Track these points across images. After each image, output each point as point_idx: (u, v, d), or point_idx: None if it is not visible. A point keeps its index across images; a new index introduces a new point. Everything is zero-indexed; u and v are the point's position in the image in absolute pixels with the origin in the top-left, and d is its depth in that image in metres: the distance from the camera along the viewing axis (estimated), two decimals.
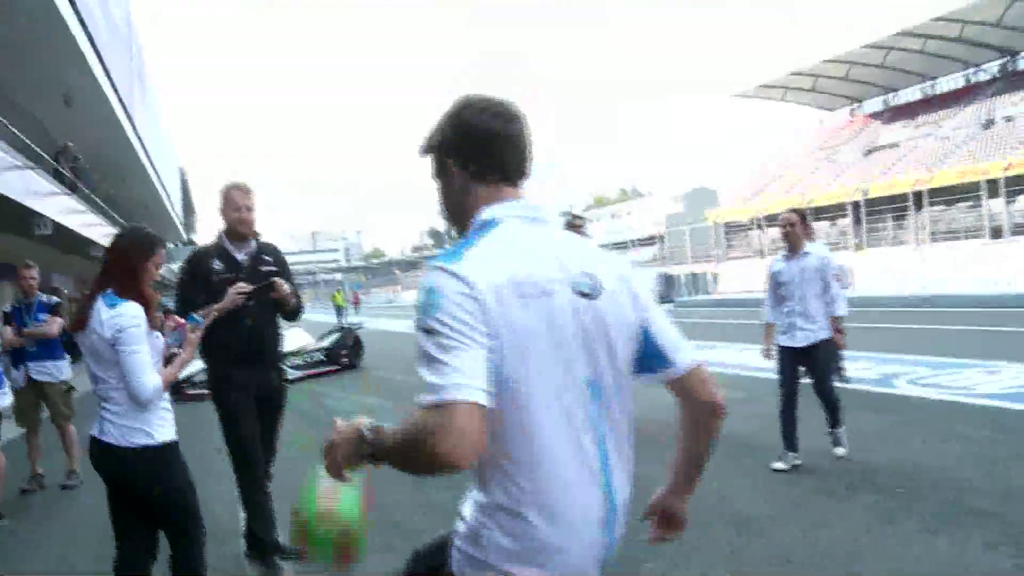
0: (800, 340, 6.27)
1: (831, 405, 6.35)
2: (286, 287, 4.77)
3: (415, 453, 1.55)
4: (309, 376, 15.45)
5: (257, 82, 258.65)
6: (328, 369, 16.27)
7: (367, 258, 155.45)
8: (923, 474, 5.78)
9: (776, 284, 6.45)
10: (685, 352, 1.88)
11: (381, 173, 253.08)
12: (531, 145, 1.86)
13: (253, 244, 4.92)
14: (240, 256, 4.86)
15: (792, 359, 6.37)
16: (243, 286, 4.64)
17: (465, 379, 1.53)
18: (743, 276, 33.62)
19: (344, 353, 16.79)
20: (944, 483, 5.51)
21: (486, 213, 1.79)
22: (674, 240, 43.53)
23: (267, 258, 4.96)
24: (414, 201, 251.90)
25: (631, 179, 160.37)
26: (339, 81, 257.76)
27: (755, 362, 12.23)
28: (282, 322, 5.08)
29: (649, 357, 1.86)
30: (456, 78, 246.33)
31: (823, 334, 6.26)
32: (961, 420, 7.40)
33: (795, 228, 6.33)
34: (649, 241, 50.32)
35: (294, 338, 16.11)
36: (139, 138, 22.62)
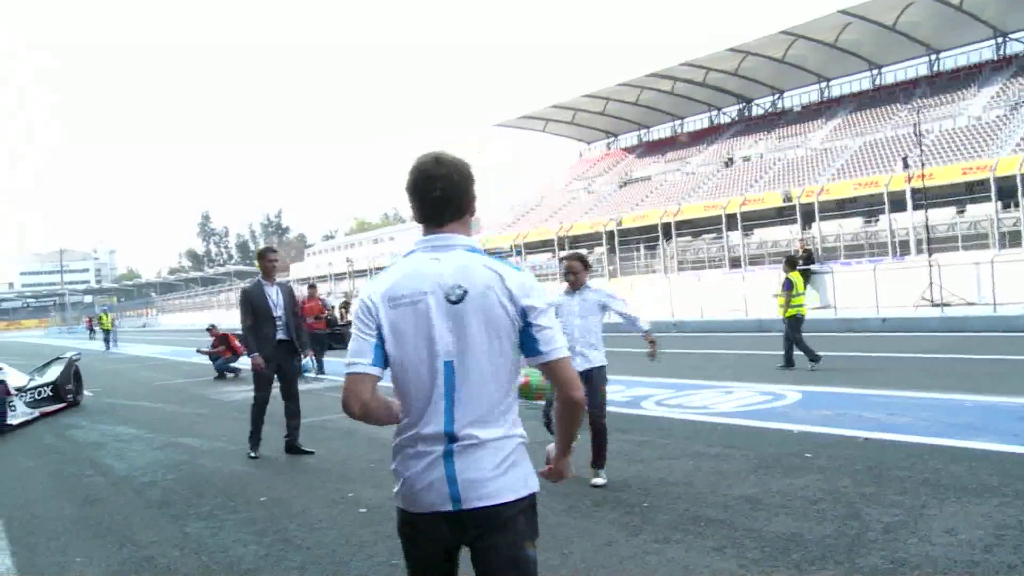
0: (576, 365, 6.41)
1: (600, 435, 6.50)
2: None
3: None
4: (45, 415, 13.23)
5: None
6: (57, 407, 13.76)
7: (120, 280, 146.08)
8: (662, 488, 6.24)
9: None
10: (553, 348, 2.38)
11: (137, 191, 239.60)
12: (439, 192, 2.43)
13: None
14: None
15: None
16: None
17: (355, 359, 2.38)
18: None
19: (69, 388, 14.40)
20: (679, 496, 5.99)
21: (410, 246, 2.52)
22: None
23: None
24: (172, 222, 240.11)
25: (394, 204, 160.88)
26: (94, 88, 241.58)
27: None
28: None
29: (526, 345, 2.40)
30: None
31: (599, 361, 6.57)
32: (697, 437, 8.06)
33: (579, 276, 6.71)
34: None
35: (13, 377, 13.73)
36: None
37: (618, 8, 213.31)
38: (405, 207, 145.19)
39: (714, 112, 49.08)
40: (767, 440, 7.71)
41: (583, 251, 42.03)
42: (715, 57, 41.12)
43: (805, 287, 13.08)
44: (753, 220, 34.59)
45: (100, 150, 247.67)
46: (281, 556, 5.29)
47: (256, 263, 8.99)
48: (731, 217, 33.80)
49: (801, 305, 12.90)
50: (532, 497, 2.46)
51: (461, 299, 2.33)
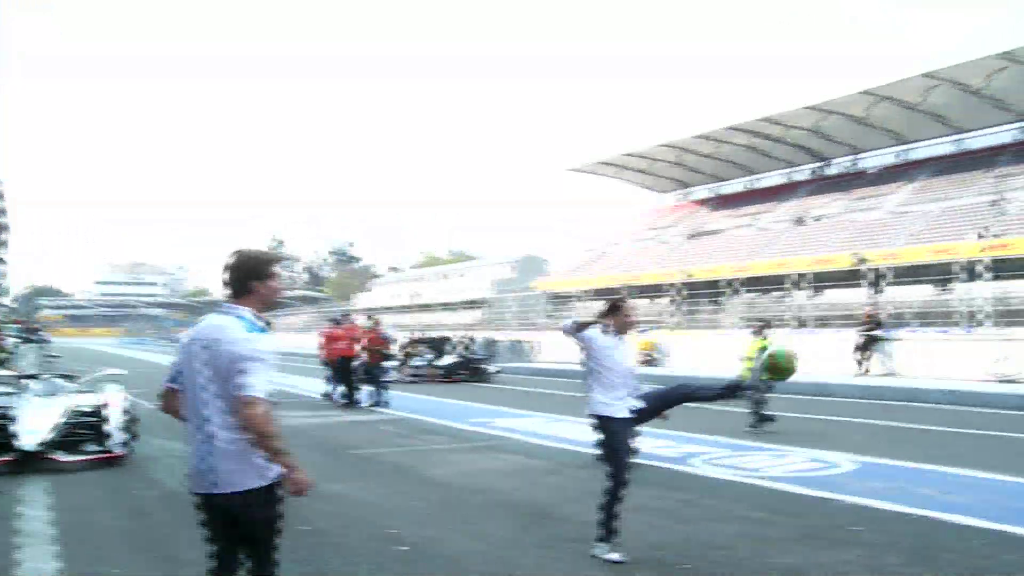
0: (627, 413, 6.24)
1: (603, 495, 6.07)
2: None
3: None
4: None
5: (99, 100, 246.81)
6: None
7: (190, 296, 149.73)
8: (702, 551, 6.16)
9: None
10: (241, 387, 3.37)
11: (211, 210, 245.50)
12: (232, 276, 3.65)
13: None
14: None
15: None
16: None
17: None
18: (564, 347, 34.45)
19: None
20: (719, 561, 5.90)
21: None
22: (500, 306, 44.17)
23: None
24: (243, 243, 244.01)
25: (463, 241, 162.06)
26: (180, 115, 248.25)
27: (564, 433, 12.70)
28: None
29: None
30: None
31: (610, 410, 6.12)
32: (745, 500, 7.93)
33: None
34: (476, 304, 50.79)
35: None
36: None
37: (695, 60, 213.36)
38: (474, 244, 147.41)
39: (789, 169, 48.63)
40: (816, 509, 7.56)
41: (647, 301, 41.92)
42: (794, 114, 40.82)
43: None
44: (823, 281, 34.02)
45: (175, 168, 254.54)
46: None
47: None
48: (800, 276, 33.34)
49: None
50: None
51: (213, 347, 3.46)
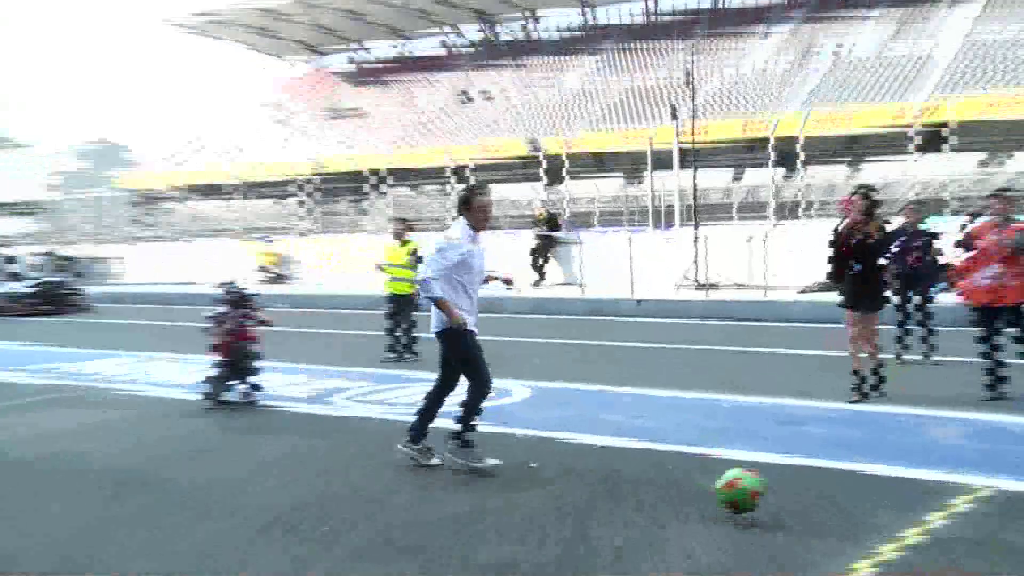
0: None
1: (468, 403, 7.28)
2: None
3: None
4: None
5: None
6: None
7: None
8: (348, 507, 6.26)
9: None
10: None
11: None
12: None
13: None
14: None
15: None
16: None
17: None
18: (160, 263, 33.41)
19: None
20: (370, 516, 6.03)
21: None
22: (64, 210, 41.93)
23: None
24: None
25: (4, 121, 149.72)
26: None
27: (160, 375, 12.42)
28: None
29: None
30: None
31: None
32: (399, 442, 8.16)
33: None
34: (26, 209, 47.67)
35: None
36: None
37: None
38: (21, 126, 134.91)
39: (450, 33, 49.71)
40: (486, 446, 7.92)
41: (270, 200, 41.44)
42: None
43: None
44: (490, 172, 35.44)
45: None
46: None
47: None
48: (463, 168, 34.48)
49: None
50: None
51: None
